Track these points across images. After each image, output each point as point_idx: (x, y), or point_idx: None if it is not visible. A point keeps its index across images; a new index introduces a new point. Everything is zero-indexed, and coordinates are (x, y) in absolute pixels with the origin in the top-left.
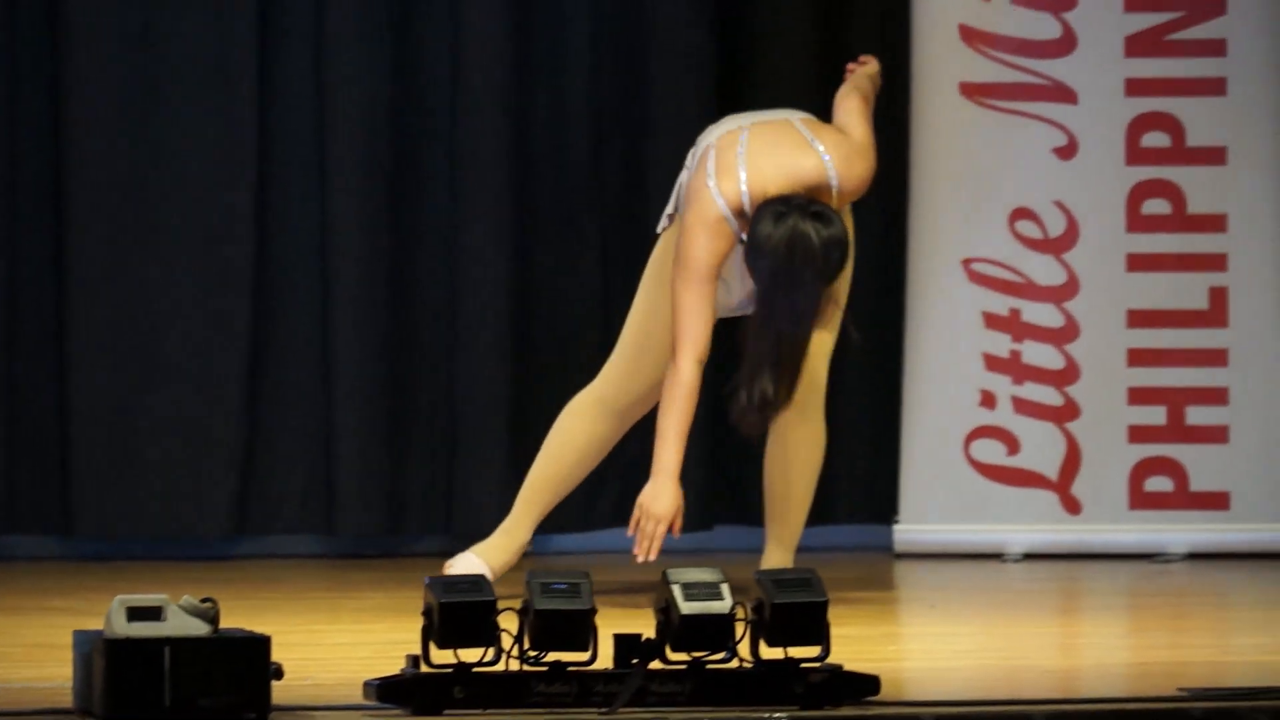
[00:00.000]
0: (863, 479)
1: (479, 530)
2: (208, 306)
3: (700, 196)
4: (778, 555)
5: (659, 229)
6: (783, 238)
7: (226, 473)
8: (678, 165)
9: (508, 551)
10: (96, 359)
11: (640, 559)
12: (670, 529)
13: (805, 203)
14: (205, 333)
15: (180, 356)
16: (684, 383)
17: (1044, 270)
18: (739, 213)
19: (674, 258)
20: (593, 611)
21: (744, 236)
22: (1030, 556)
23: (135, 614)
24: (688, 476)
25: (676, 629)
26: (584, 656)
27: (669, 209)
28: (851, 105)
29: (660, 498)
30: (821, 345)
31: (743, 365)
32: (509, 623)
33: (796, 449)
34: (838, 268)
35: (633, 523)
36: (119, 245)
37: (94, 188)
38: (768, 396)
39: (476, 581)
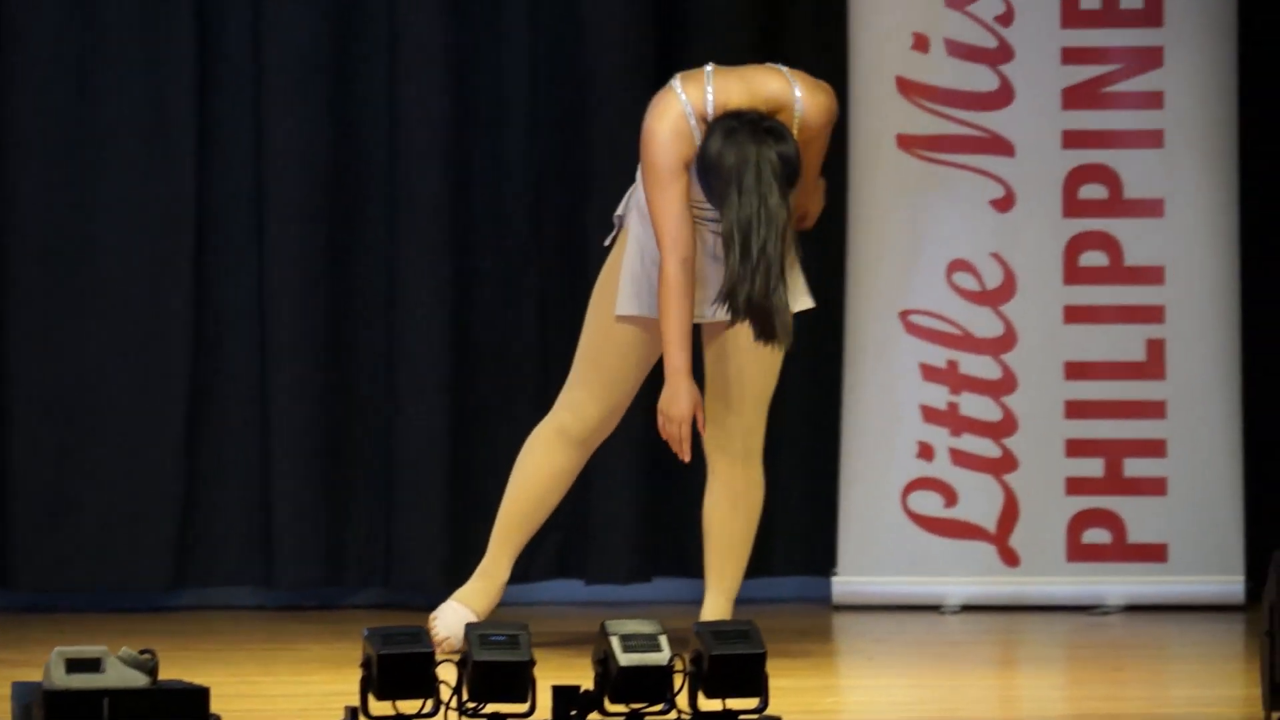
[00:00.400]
0: (801, 530)
1: (418, 581)
2: (146, 359)
3: (664, 98)
4: (717, 606)
5: (606, 242)
6: (732, 152)
7: (165, 524)
8: (615, 214)
9: (489, 594)
10: (35, 412)
11: (684, 459)
12: (696, 425)
13: (757, 118)
14: (144, 385)
15: (119, 409)
16: (674, 285)
17: (982, 322)
18: (702, 118)
19: (641, 167)
20: (531, 663)
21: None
22: (968, 608)
23: (74, 665)
24: (625, 528)
25: (615, 681)
26: (522, 708)
27: (619, 210)
28: None
29: (677, 398)
30: (761, 393)
31: (724, 282)
32: (448, 674)
33: (735, 498)
34: (789, 180)
35: (661, 430)
36: (58, 299)
37: (33, 242)
38: (755, 301)
39: (415, 634)
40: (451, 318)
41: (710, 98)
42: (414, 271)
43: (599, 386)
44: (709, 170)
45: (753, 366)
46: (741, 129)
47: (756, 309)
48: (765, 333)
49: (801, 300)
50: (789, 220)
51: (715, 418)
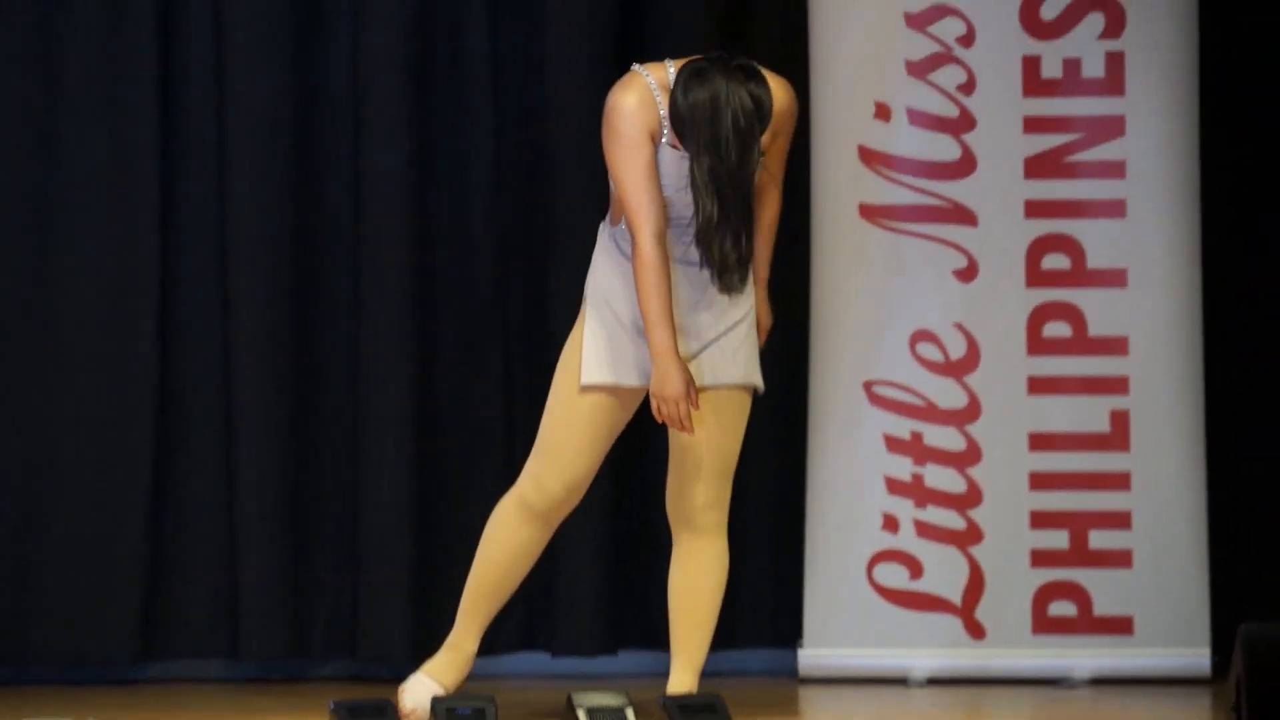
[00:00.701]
0: (767, 602)
1: (384, 653)
2: (108, 429)
3: (626, 77)
4: (684, 678)
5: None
6: (704, 89)
7: (130, 596)
8: (580, 291)
9: (457, 666)
10: None
11: (690, 433)
12: (692, 402)
13: (727, 56)
14: (107, 455)
15: (82, 480)
16: (649, 263)
17: (945, 393)
18: (665, 88)
19: (607, 143)
20: None
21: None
22: (934, 681)
23: None
24: (590, 600)
25: None
26: None
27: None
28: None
29: (668, 379)
30: (725, 465)
31: (698, 232)
32: None
33: (699, 571)
34: (761, 121)
35: (656, 413)
36: (18, 366)
37: None
38: (728, 256)
39: (381, 706)
40: (416, 387)
41: (672, 71)
42: (378, 339)
43: (562, 459)
44: (682, 114)
45: (716, 439)
46: (711, 66)
47: (723, 264)
48: (727, 286)
49: (755, 378)
50: (757, 165)
51: (679, 490)
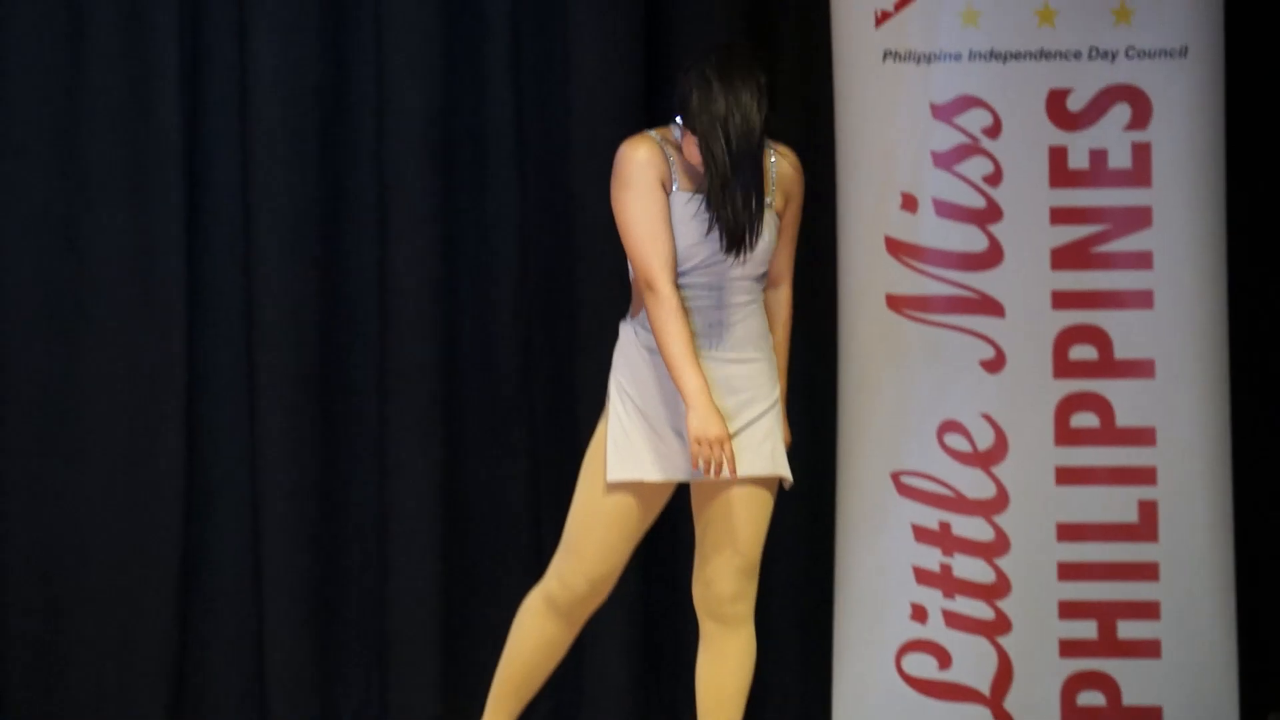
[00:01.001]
0: (795, 692)
1: None
2: (136, 521)
3: (633, 137)
4: None
5: None
6: (713, 79)
7: (157, 688)
8: (606, 379)
9: None
10: (24, 572)
11: (734, 474)
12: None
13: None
14: (134, 546)
15: (109, 569)
16: (668, 307)
17: (973, 483)
18: (673, 144)
19: (614, 193)
20: None
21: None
22: None
23: None
24: (618, 692)
25: None
26: None
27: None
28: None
29: (707, 424)
30: (752, 557)
31: (710, 196)
32: None
33: (727, 661)
34: (767, 93)
35: (695, 459)
36: (48, 458)
37: (22, 402)
38: (739, 216)
39: None
40: (442, 480)
41: (678, 133)
42: (404, 432)
43: (588, 557)
44: (689, 100)
45: (743, 531)
46: (713, 67)
47: (735, 225)
48: (737, 246)
49: (782, 469)
50: (763, 134)
51: (706, 582)
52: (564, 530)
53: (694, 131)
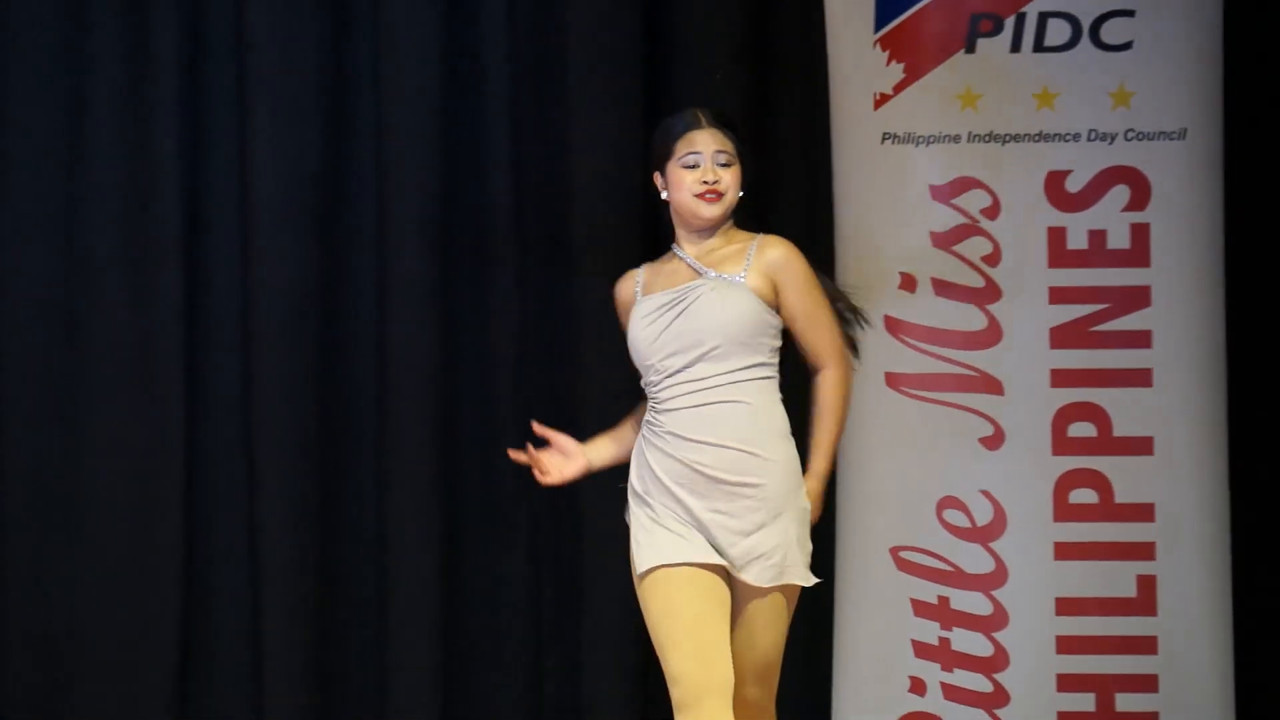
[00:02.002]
0: None
1: None
2: (135, 604)
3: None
4: None
5: None
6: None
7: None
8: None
9: None
10: (24, 658)
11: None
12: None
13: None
14: (133, 629)
15: (108, 651)
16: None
17: (972, 559)
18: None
19: None
20: None
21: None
22: None
23: None
24: (619, 688)
25: None
26: None
27: None
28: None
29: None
30: (773, 662)
31: None
32: None
33: None
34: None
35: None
36: (48, 541)
37: (22, 482)
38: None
39: None
40: (442, 565)
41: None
42: (401, 515)
43: (677, 649)
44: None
45: (761, 639)
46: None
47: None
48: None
49: (805, 575)
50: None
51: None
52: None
53: (663, 172)
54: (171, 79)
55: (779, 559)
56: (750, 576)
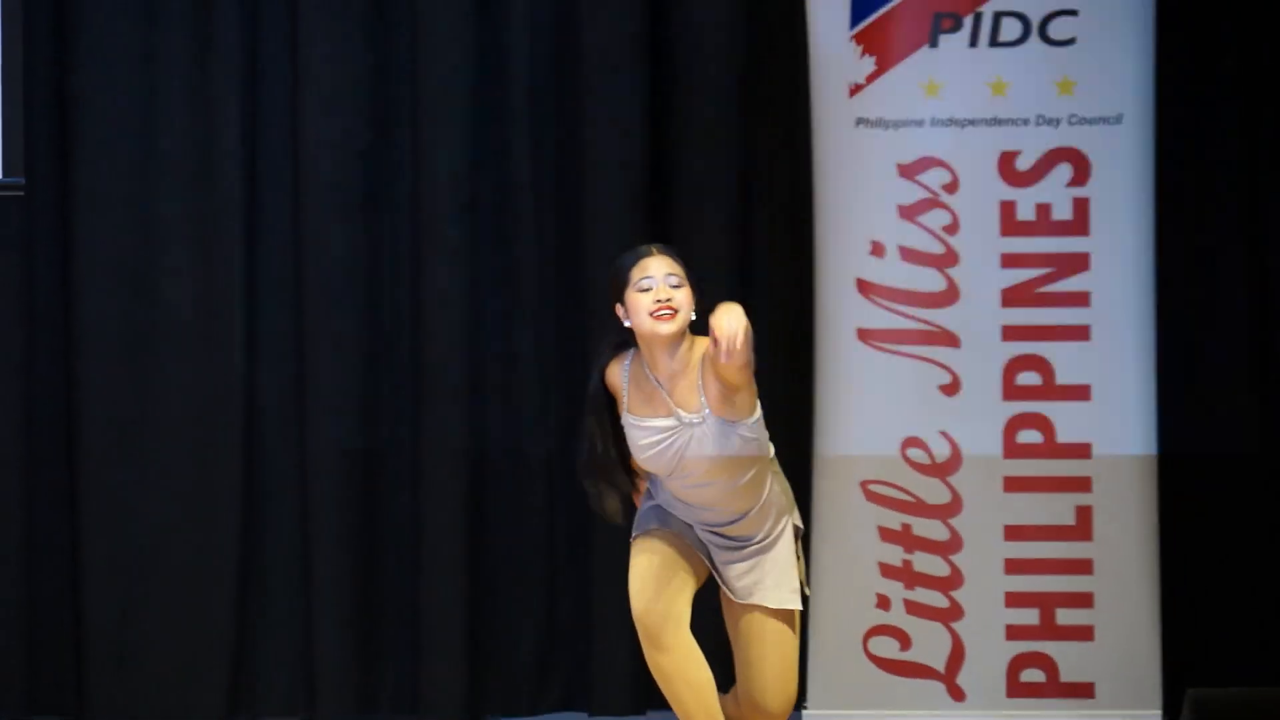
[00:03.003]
0: None
1: (441, 715)
2: (200, 528)
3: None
4: None
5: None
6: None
7: (217, 671)
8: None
9: None
10: (105, 571)
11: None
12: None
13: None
14: (198, 551)
15: (176, 571)
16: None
17: (932, 491)
18: (638, 357)
19: None
20: None
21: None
22: None
23: None
24: (622, 667)
25: None
26: None
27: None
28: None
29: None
30: (789, 669)
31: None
32: None
33: None
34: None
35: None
36: (123, 475)
37: (101, 427)
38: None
39: None
40: (468, 503)
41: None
42: (436, 452)
43: (631, 589)
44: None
45: (772, 662)
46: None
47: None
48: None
49: (791, 600)
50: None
51: (749, 700)
52: None
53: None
54: (234, 71)
55: (771, 584)
56: (764, 598)
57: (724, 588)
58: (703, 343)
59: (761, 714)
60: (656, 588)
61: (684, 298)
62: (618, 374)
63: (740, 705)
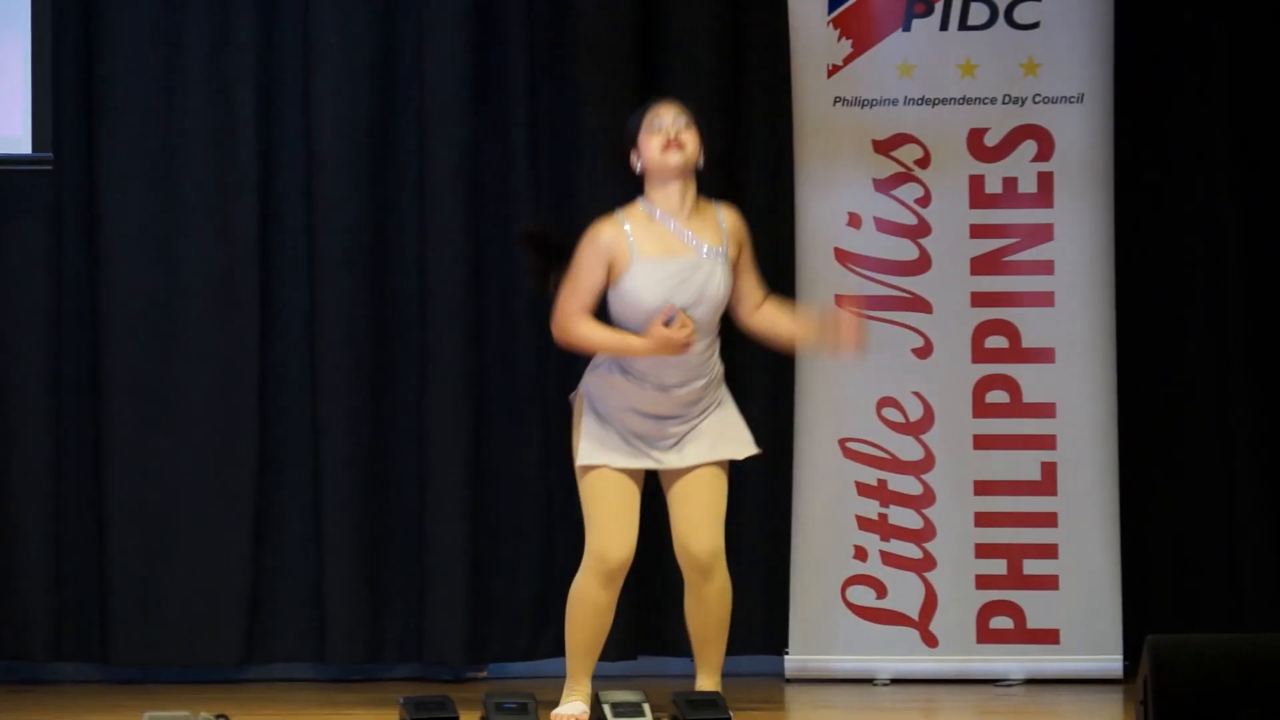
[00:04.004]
0: (759, 618)
1: (445, 659)
2: (218, 480)
3: (600, 220)
4: (707, 680)
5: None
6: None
7: (236, 613)
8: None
9: (583, 697)
10: (127, 521)
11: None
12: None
13: None
14: (217, 501)
15: (196, 519)
16: (576, 332)
17: (905, 448)
18: (632, 213)
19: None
20: None
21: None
22: (896, 681)
23: None
24: (618, 615)
25: None
26: None
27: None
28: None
29: (662, 345)
30: (718, 516)
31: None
32: None
33: (709, 600)
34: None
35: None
36: (146, 429)
37: (126, 384)
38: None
39: (442, 702)
40: (471, 450)
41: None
42: (441, 412)
43: (601, 528)
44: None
45: (705, 504)
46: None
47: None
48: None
49: (747, 448)
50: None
51: (683, 544)
52: (584, 515)
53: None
54: (250, 53)
55: (708, 442)
56: (699, 456)
57: (672, 467)
58: (706, 205)
59: (691, 560)
60: (626, 533)
61: (692, 137)
62: (613, 232)
63: (683, 561)
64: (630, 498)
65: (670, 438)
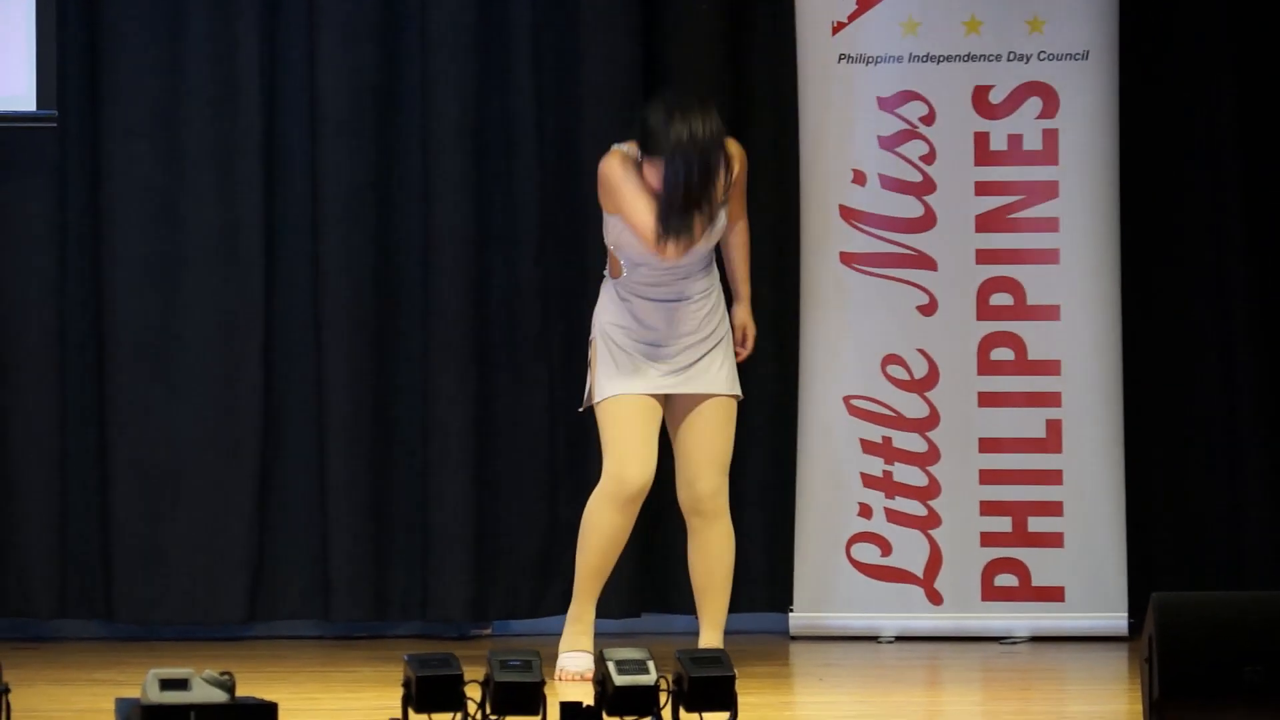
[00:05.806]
0: (764, 575)
1: (448, 616)
2: (223, 437)
3: (607, 154)
4: (710, 635)
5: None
6: (675, 116)
7: (240, 570)
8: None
9: (585, 633)
10: (132, 478)
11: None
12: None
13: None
14: (222, 457)
15: (201, 476)
16: (672, 248)
17: (910, 405)
18: (629, 155)
19: (605, 196)
20: (542, 683)
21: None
22: (901, 639)
23: (166, 684)
24: (618, 572)
25: (611, 698)
26: None
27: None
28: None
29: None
30: (723, 459)
31: (668, 210)
32: (474, 692)
33: (713, 550)
34: (720, 135)
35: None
36: (151, 386)
37: (130, 341)
38: (685, 230)
39: (446, 659)
40: (475, 405)
41: (639, 154)
42: (444, 367)
43: (620, 453)
44: (651, 133)
45: (712, 438)
46: (677, 100)
47: (681, 235)
48: (679, 249)
49: (735, 388)
50: (716, 166)
51: (687, 484)
52: (602, 443)
53: (654, 156)
54: (254, 8)
55: (726, 373)
56: (709, 386)
57: (680, 396)
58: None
59: (695, 500)
60: (645, 454)
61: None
62: (623, 157)
63: (686, 503)
64: (650, 420)
65: (680, 360)
